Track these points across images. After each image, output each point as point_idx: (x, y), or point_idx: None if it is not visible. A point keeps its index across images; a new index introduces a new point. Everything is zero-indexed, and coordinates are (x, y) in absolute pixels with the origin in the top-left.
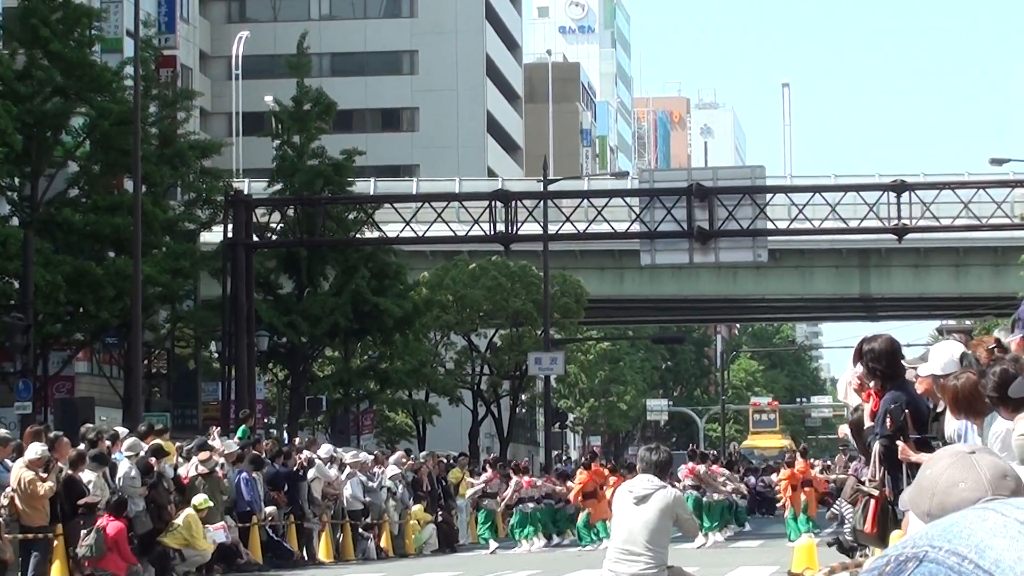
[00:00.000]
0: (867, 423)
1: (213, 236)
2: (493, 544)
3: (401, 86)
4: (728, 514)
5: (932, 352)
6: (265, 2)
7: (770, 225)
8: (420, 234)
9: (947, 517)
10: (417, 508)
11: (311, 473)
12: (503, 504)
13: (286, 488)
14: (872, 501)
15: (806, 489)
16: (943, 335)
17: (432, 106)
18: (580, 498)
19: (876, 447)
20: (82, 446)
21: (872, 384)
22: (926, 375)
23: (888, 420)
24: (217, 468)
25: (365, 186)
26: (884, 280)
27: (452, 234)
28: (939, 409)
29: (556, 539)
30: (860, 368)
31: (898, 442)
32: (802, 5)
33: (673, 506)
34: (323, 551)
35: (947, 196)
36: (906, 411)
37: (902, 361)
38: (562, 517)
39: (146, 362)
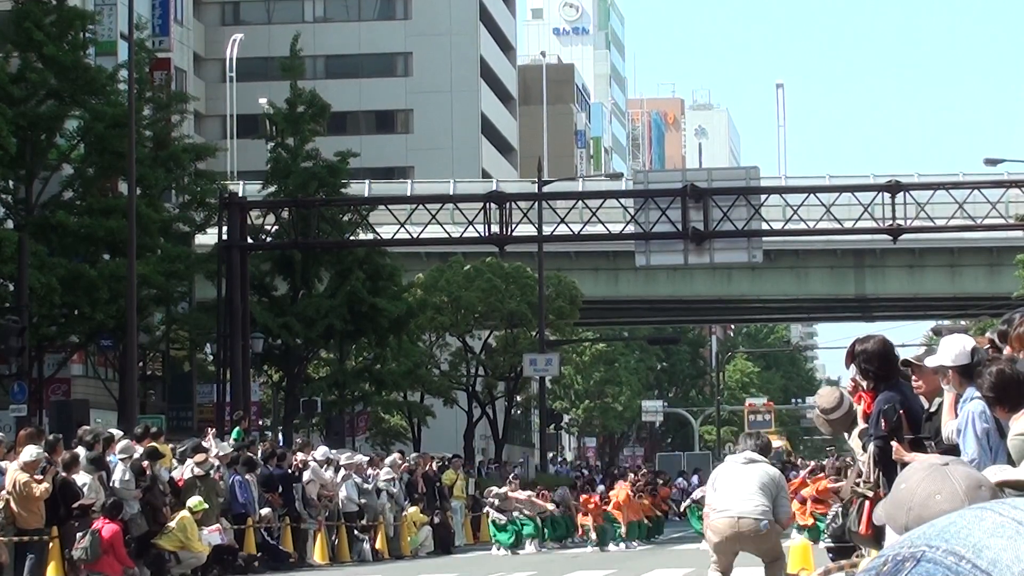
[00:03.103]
0: (861, 424)
1: (208, 238)
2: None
3: (395, 88)
4: None
5: (943, 344)
6: (259, 4)
7: (765, 226)
8: (415, 236)
9: (944, 517)
10: (413, 510)
11: (306, 475)
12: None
13: (280, 490)
14: (867, 502)
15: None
16: (937, 335)
17: (426, 108)
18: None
19: (871, 448)
20: (78, 448)
21: (865, 385)
22: (935, 366)
23: (882, 421)
24: (213, 471)
25: (359, 188)
26: (879, 280)
27: (447, 236)
28: (932, 409)
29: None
30: (853, 370)
31: (892, 443)
32: (796, 5)
33: (778, 480)
34: (318, 553)
35: (942, 196)
36: (900, 411)
37: (909, 357)
38: (558, 523)
39: (141, 364)
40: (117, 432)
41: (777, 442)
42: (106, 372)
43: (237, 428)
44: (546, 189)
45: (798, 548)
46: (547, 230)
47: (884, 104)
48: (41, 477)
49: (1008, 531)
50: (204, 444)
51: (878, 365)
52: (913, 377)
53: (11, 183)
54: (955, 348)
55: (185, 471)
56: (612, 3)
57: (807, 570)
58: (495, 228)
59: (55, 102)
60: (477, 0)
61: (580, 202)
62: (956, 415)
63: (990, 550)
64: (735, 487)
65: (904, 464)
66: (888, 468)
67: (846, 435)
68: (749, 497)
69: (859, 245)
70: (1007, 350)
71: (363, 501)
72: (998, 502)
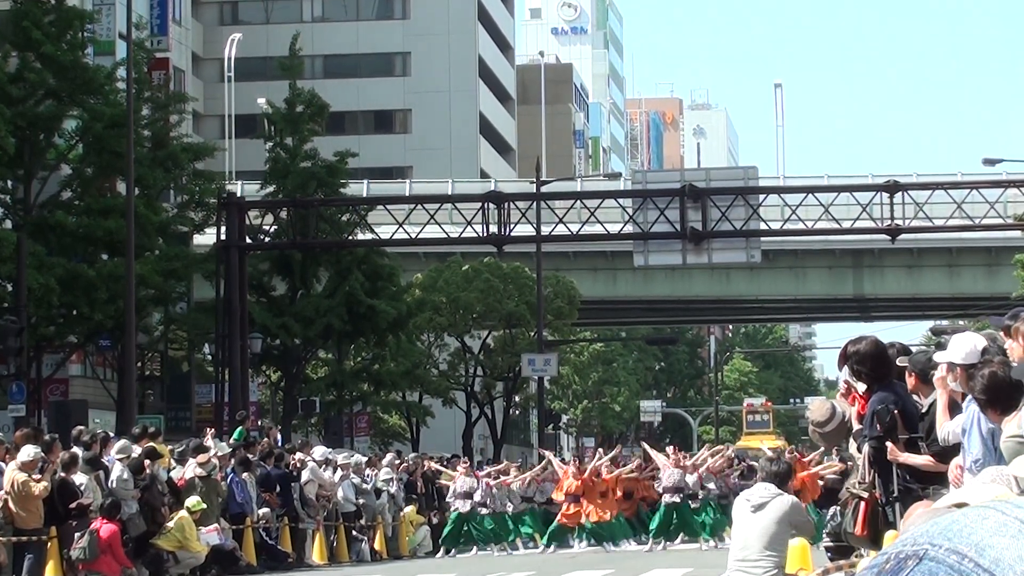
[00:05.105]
0: (855, 426)
1: (206, 238)
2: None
3: (393, 88)
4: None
5: (954, 341)
6: (257, 4)
7: (763, 226)
8: (413, 236)
9: (947, 515)
10: (409, 510)
11: (305, 475)
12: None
13: (278, 490)
14: (862, 503)
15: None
16: (936, 335)
17: (425, 108)
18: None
19: (865, 449)
20: (75, 448)
21: (858, 387)
22: (944, 362)
23: (876, 422)
24: (215, 471)
25: (358, 188)
26: (877, 280)
27: (445, 236)
28: (923, 409)
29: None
30: (846, 371)
31: (887, 443)
32: (795, 6)
33: (790, 513)
34: (317, 553)
35: (940, 196)
36: (894, 411)
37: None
38: (529, 517)
39: (139, 364)
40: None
41: (776, 443)
42: (104, 372)
43: (240, 428)
44: (544, 189)
45: (796, 548)
46: (545, 230)
47: (883, 104)
48: (40, 476)
49: (1011, 530)
50: (204, 443)
51: (871, 366)
52: (907, 375)
53: (9, 183)
54: (966, 346)
55: (187, 471)
56: (611, 3)
57: (805, 570)
58: (493, 228)
59: (53, 102)
60: (475, 0)
61: (578, 202)
62: (950, 416)
63: (993, 549)
64: (740, 544)
65: (899, 464)
66: (883, 469)
67: (843, 445)
68: (753, 564)
69: (857, 245)
70: (1009, 345)
71: (361, 501)
72: (1002, 501)
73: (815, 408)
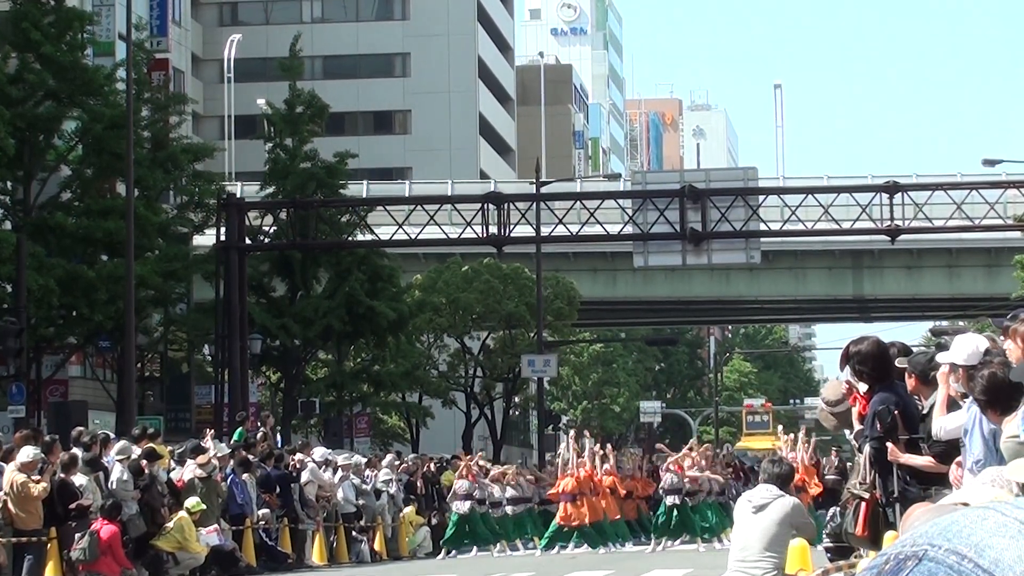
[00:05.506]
0: (857, 426)
1: (206, 239)
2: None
3: (393, 88)
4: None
5: (956, 341)
6: (257, 5)
7: (763, 226)
8: (413, 237)
9: (947, 516)
10: (410, 511)
11: (304, 476)
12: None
13: (278, 490)
14: (863, 504)
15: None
16: (936, 336)
17: (424, 108)
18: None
19: (866, 449)
20: (75, 449)
21: (860, 387)
22: (946, 362)
23: (876, 422)
24: (215, 472)
25: (358, 189)
26: (877, 281)
27: (445, 237)
28: (924, 411)
29: (499, 548)
30: (847, 371)
31: (887, 444)
32: (794, 6)
33: (792, 515)
34: (317, 554)
35: (940, 197)
36: (894, 412)
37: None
38: (527, 521)
39: (139, 365)
40: (111, 434)
41: (776, 443)
42: (104, 373)
43: (240, 429)
44: (544, 190)
45: (796, 549)
46: (545, 231)
47: (882, 105)
48: (39, 477)
49: (1011, 531)
50: (203, 444)
51: (872, 366)
52: (906, 376)
53: (9, 184)
54: (968, 347)
55: (186, 472)
56: (610, 3)
57: (805, 570)
58: (493, 229)
59: (53, 103)
60: (475, 0)
61: (578, 203)
62: (947, 412)
63: (992, 550)
64: (740, 544)
65: (900, 465)
66: (884, 469)
67: (847, 432)
68: (753, 564)
69: (857, 246)
70: (1007, 346)
71: (361, 502)
72: (1001, 503)
73: (830, 387)
